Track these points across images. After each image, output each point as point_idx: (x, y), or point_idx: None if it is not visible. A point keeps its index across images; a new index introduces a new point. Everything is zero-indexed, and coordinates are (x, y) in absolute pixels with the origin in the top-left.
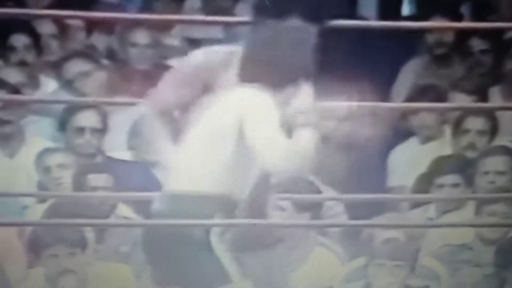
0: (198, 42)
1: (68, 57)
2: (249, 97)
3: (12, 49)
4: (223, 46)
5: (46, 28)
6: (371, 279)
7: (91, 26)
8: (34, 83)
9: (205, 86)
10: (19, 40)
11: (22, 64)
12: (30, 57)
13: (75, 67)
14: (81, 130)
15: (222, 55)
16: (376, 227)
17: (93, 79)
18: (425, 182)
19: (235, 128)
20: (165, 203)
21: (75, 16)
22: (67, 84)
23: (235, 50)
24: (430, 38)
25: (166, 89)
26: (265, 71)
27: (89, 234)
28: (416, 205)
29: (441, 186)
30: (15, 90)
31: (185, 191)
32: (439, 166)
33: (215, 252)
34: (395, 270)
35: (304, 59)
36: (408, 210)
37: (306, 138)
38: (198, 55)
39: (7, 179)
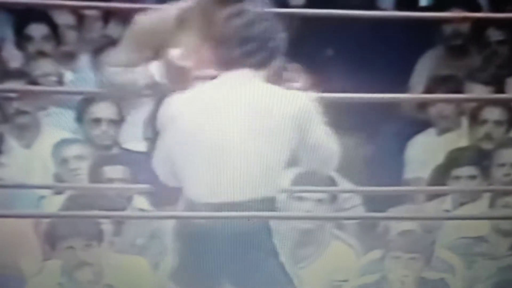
0: None
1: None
2: (305, 103)
3: (30, 39)
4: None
5: (63, 19)
6: (386, 272)
7: (108, 16)
8: (53, 74)
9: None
10: (37, 30)
11: (40, 54)
12: (48, 47)
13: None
14: (97, 121)
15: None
16: (392, 219)
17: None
18: (442, 173)
19: (293, 132)
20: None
21: (92, 7)
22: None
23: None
24: (447, 29)
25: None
26: (244, 53)
27: (106, 226)
28: (433, 197)
29: (457, 178)
30: (33, 81)
31: (226, 201)
32: (455, 158)
33: (280, 257)
34: (411, 262)
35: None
36: (424, 202)
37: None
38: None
39: (23, 170)
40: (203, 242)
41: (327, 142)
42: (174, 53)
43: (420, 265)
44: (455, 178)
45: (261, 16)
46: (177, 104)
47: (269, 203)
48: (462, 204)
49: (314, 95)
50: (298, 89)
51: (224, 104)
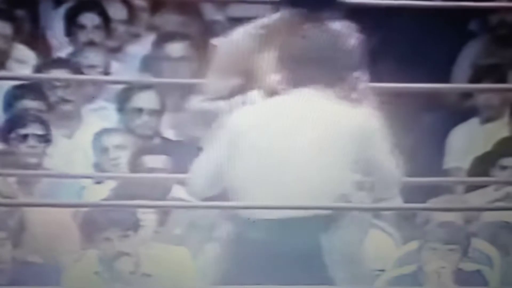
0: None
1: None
2: (367, 120)
3: (82, 28)
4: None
5: (113, 9)
6: (423, 263)
7: (155, 6)
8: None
9: (246, 71)
10: (89, 19)
11: (91, 43)
12: (98, 37)
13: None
14: (139, 111)
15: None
16: (429, 210)
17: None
18: (487, 162)
19: (356, 149)
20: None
21: None
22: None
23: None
24: (493, 19)
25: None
26: (314, 71)
27: (149, 216)
28: (473, 187)
29: (504, 168)
30: (78, 70)
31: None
32: (504, 147)
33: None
34: (448, 254)
35: (348, 57)
36: (464, 192)
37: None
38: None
39: (65, 160)
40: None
41: (388, 164)
42: (275, 78)
43: (457, 256)
44: (502, 168)
45: (333, 35)
46: (245, 118)
47: (329, 220)
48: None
49: (379, 114)
50: (366, 108)
51: (289, 121)
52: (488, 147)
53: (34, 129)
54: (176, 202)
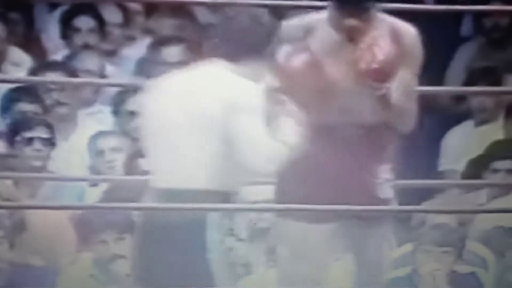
0: None
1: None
2: (235, 88)
3: (77, 31)
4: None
5: (108, 12)
6: (417, 265)
7: (151, 10)
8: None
9: None
10: (84, 22)
11: (86, 47)
12: (93, 40)
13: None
14: (134, 114)
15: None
16: (424, 212)
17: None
18: (480, 165)
19: (221, 120)
20: (158, 200)
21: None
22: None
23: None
24: (487, 22)
25: None
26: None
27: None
28: (467, 190)
29: (496, 171)
30: (73, 72)
31: (179, 187)
32: (496, 150)
33: (208, 252)
34: (442, 256)
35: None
36: (459, 194)
37: (289, 136)
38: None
39: (62, 162)
40: (153, 233)
41: (252, 144)
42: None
43: (451, 258)
44: (493, 171)
45: (252, 14)
46: (151, 93)
47: (217, 196)
48: (495, 197)
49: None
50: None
51: (180, 93)
52: (482, 150)
53: (40, 132)
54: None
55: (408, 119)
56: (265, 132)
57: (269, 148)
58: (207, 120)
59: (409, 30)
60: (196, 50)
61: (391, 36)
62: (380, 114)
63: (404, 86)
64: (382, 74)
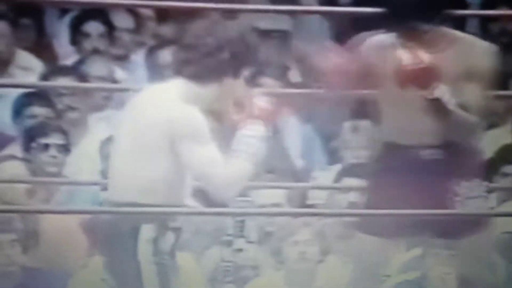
0: (265, 32)
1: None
2: (177, 113)
3: (87, 36)
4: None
5: (119, 18)
6: (427, 269)
7: (162, 15)
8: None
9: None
10: (94, 27)
11: (95, 52)
12: (102, 45)
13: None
14: None
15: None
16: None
17: None
18: (489, 169)
19: (167, 143)
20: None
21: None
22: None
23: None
24: (494, 27)
25: None
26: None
27: None
28: None
29: (505, 175)
30: (84, 77)
31: (119, 200)
32: (505, 154)
33: (138, 258)
34: (452, 259)
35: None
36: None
37: (241, 166)
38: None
39: (72, 166)
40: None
41: (199, 163)
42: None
43: (460, 262)
44: (503, 175)
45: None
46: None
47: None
48: (505, 201)
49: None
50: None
51: (139, 109)
52: (491, 154)
53: (55, 138)
54: (182, 208)
55: (467, 131)
56: (215, 157)
57: (223, 174)
58: (155, 140)
59: (479, 46)
60: None
61: (458, 52)
62: (454, 132)
63: (471, 99)
64: (426, 77)
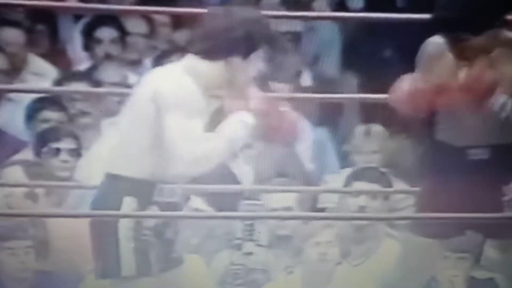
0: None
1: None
2: (166, 83)
3: (99, 42)
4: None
5: (132, 24)
6: (435, 271)
7: (176, 22)
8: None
9: None
10: (107, 33)
11: (108, 57)
12: (115, 50)
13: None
14: None
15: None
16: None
17: None
18: None
19: (152, 114)
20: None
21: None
22: None
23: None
24: None
25: None
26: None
27: None
28: None
29: None
30: (96, 83)
31: (108, 172)
32: None
33: (119, 239)
34: (460, 262)
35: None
36: None
37: (214, 146)
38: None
39: (84, 171)
40: None
41: (177, 136)
42: None
43: (469, 264)
44: None
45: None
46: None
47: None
48: None
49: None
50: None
51: (140, 85)
52: None
53: (67, 143)
54: (193, 212)
55: None
56: (192, 132)
57: (192, 150)
58: (144, 110)
59: None
60: None
61: None
62: (504, 133)
63: None
64: (482, 89)
